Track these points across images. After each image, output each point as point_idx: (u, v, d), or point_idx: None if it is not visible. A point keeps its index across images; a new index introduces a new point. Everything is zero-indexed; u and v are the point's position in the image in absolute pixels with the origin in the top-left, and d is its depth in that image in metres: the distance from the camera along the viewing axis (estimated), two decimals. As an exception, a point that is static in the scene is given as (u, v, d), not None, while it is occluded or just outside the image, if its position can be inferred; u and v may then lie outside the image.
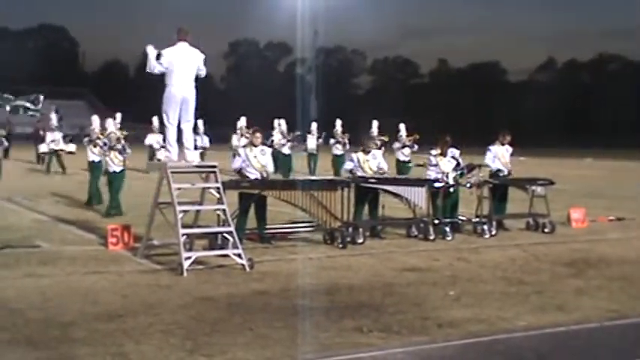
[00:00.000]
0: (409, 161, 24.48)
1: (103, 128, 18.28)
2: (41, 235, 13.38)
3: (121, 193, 16.76)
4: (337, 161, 24.61)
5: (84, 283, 9.71)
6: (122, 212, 16.29)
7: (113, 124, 17.77)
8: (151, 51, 11.40)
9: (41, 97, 19.99)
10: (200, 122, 28.95)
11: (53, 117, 30.40)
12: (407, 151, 25.09)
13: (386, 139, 24.58)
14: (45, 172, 29.16)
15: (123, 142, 16.84)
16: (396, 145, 25.31)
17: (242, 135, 29.97)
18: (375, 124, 25.50)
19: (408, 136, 25.41)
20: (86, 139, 18.64)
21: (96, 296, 8.98)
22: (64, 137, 30.24)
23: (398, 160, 24.94)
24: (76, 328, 7.61)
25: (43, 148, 30.54)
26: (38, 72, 78.31)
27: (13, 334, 7.34)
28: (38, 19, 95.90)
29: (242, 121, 30.86)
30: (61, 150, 29.40)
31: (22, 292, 9.15)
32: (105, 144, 17.04)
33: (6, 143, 22.17)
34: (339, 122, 28.03)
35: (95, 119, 19.46)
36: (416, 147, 25.05)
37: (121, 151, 16.62)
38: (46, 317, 7.99)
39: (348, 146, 27.51)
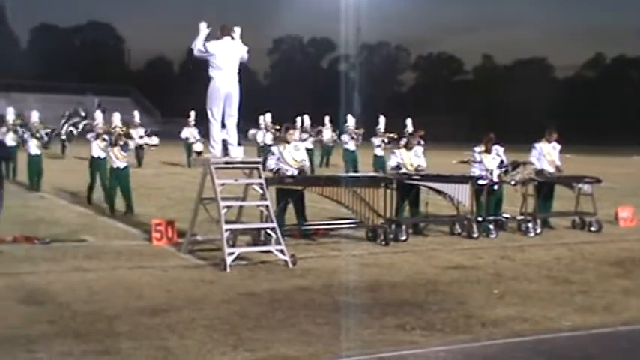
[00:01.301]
0: (383, 156, 24.41)
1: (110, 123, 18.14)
2: (87, 230, 13.56)
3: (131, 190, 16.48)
4: (377, 160, 24.61)
5: (129, 278, 9.83)
6: (133, 210, 16.03)
7: (118, 119, 17.89)
8: (203, 28, 11.48)
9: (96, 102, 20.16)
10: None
11: (136, 114, 32.00)
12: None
13: (395, 136, 24.58)
14: (136, 166, 29.93)
15: (125, 138, 16.69)
16: (376, 141, 25.32)
17: (267, 130, 30.45)
18: (409, 121, 25.38)
19: (414, 132, 25.26)
20: (91, 134, 18.24)
21: (140, 290, 9.08)
22: (146, 132, 31.08)
23: (375, 156, 24.94)
24: (121, 321, 7.70)
25: (130, 144, 31.15)
26: (85, 69, 79.55)
27: (60, 327, 7.45)
28: (86, 16, 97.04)
29: (267, 117, 31.17)
30: (146, 144, 30.31)
31: (69, 285, 9.28)
32: (108, 139, 16.91)
33: (46, 138, 22.38)
34: (382, 120, 28.03)
35: (98, 114, 19.06)
36: (422, 143, 24.76)
37: (124, 148, 16.40)
38: (92, 310, 8.10)
39: (359, 142, 28.02)
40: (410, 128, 25.13)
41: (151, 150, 29.21)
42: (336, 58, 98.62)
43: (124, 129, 17.26)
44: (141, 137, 29.82)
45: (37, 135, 20.60)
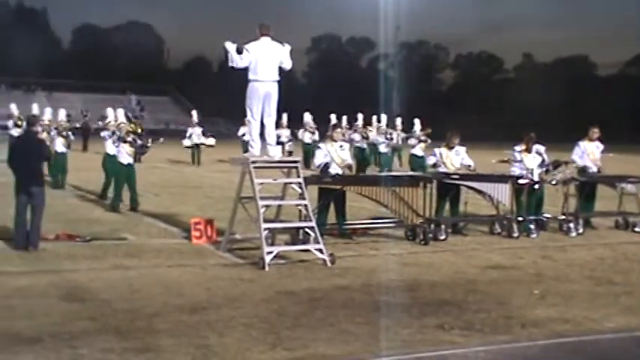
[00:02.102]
0: (423, 157, 24.17)
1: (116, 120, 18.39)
2: (127, 228, 13.69)
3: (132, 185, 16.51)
4: (416, 160, 24.49)
5: (168, 276, 9.90)
6: (137, 204, 16.20)
7: (123, 116, 17.99)
8: (230, 46, 11.46)
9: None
10: (284, 116, 29.57)
11: (194, 114, 32.80)
12: (422, 146, 24.82)
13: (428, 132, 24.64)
14: (191, 163, 30.98)
15: (133, 135, 16.82)
16: (412, 141, 25.10)
17: (305, 130, 30.86)
18: (417, 121, 25.33)
19: (421, 130, 25.24)
20: (105, 132, 18.36)
21: (180, 288, 9.14)
22: (204, 132, 31.64)
23: (412, 155, 24.72)
24: (160, 319, 7.76)
25: (186, 142, 32.23)
26: (125, 69, 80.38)
27: (102, 324, 7.54)
28: (126, 17, 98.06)
29: (307, 117, 31.49)
30: (202, 143, 31.15)
31: (110, 283, 9.38)
32: (114, 135, 17.12)
33: (72, 137, 22.59)
34: (417, 121, 28.00)
35: (110, 111, 19.22)
36: (429, 141, 24.58)
37: (132, 143, 16.54)
38: (133, 308, 8.17)
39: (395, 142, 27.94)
40: (417, 127, 25.18)
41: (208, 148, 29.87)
42: (375, 57, 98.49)
43: (132, 126, 17.50)
44: (192, 136, 31.49)
45: (64, 133, 20.79)
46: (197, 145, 31.59)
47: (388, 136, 28.17)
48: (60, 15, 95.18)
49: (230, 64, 11.55)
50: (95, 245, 11.85)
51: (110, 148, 17.64)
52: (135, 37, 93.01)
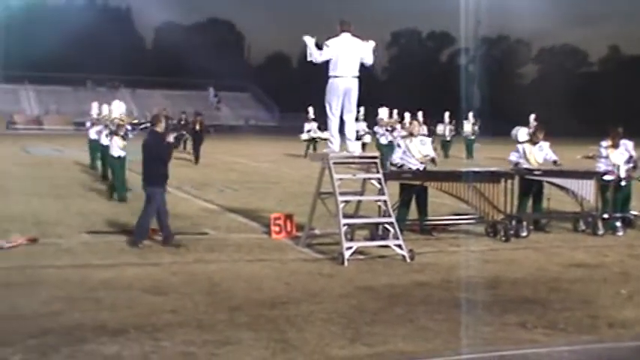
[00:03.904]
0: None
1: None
2: (208, 223, 13.88)
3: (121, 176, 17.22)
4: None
5: (249, 270, 10.00)
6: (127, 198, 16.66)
7: (117, 109, 18.45)
8: (309, 40, 11.47)
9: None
10: (361, 109, 29.90)
11: (310, 110, 33.01)
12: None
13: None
14: (304, 156, 31.41)
15: (127, 127, 17.56)
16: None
17: (381, 126, 30.99)
18: (532, 116, 24.98)
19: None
20: (100, 126, 19.34)
21: (260, 283, 9.21)
22: (319, 126, 32.31)
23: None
24: (241, 313, 7.84)
25: (304, 136, 33.44)
26: (206, 65, 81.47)
27: (183, 317, 7.66)
28: (207, 14, 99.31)
29: (382, 112, 31.57)
30: (319, 137, 31.86)
31: (192, 277, 9.53)
32: (108, 128, 17.82)
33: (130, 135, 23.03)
34: (447, 114, 28.23)
35: (104, 106, 19.81)
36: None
37: (124, 137, 17.18)
38: (213, 302, 8.28)
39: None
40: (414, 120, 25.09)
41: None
42: (455, 51, 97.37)
43: (124, 119, 18.04)
44: (309, 131, 32.94)
45: (111, 127, 21.11)
46: (314, 140, 32.70)
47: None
48: (143, 14, 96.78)
49: (309, 59, 11.55)
50: (177, 239, 12.04)
51: (104, 140, 18.64)
52: (216, 34, 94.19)
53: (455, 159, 31.17)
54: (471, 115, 35.49)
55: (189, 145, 30.87)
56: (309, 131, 33.15)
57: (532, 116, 29.21)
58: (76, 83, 71.42)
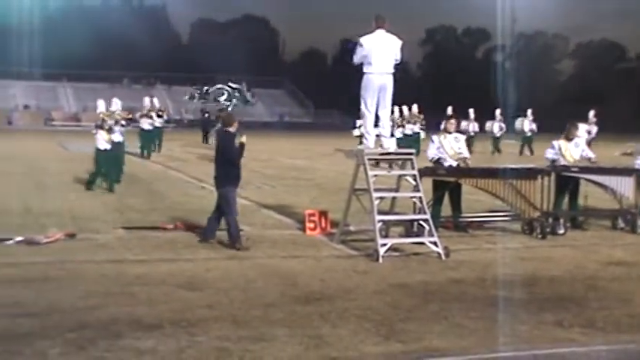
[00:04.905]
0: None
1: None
2: (244, 219, 13.86)
3: (106, 169, 17.91)
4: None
5: (283, 267, 10.01)
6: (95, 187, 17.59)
7: (104, 106, 18.96)
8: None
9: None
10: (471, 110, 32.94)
11: (403, 109, 33.10)
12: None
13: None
14: None
15: (110, 122, 18.19)
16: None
17: (411, 122, 31.42)
18: (592, 112, 24.97)
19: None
20: (110, 122, 19.29)
21: (295, 279, 9.22)
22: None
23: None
24: (275, 309, 7.85)
25: (355, 132, 33.01)
26: (240, 62, 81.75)
27: (218, 312, 7.69)
28: (241, 10, 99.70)
29: (414, 108, 31.84)
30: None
31: (227, 273, 9.57)
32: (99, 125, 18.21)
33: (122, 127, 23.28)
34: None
35: (100, 102, 19.80)
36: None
37: (109, 130, 17.92)
38: (248, 298, 8.31)
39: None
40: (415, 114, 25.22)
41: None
42: (491, 48, 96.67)
43: (107, 114, 18.60)
44: (359, 127, 32.56)
45: (122, 123, 21.21)
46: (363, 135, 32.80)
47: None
48: (178, 10, 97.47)
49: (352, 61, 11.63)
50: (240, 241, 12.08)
51: (116, 136, 19.01)
52: (250, 31, 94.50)
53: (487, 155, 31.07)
54: (497, 112, 35.93)
55: (212, 140, 31.16)
56: (360, 127, 33.08)
57: (591, 112, 29.24)
58: (113, 80, 72.14)
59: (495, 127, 36.05)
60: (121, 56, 72.56)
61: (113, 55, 72.35)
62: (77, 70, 69.62)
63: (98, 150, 17.85)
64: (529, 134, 34.79)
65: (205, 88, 38.55)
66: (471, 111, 35.94)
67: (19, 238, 11.10)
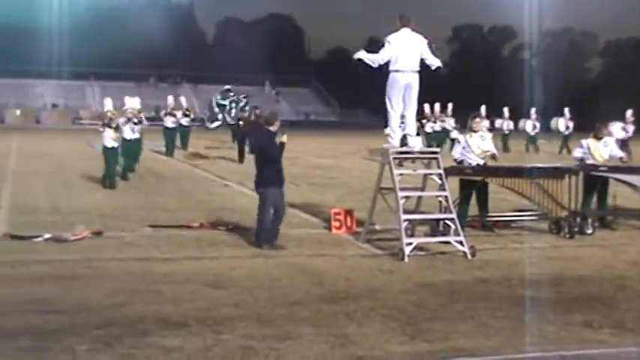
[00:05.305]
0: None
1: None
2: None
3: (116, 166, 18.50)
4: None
5: (309, 265, 10.01)
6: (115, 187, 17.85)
7: (111, 104, 19.42)
8: (362, 55, 11.45)
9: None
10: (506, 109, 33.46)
11: (440, 107, 33.18)
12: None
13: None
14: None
15: (118, 120, 18.73)
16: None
17: (435, 121, 31.51)
18: (630, 112, 24.87)
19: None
20: (122, 119, 20.01)
21: (320, 278, 9.22)
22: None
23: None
24: (301, 308, 7.85)
25: (387, 130, 33.20)
26: (266, 60, 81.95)
27: (244, 311, 7.70)
28: (267, 9, 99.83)
29: (436, 107, 31.87)
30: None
31: (252, 271, 9.58)
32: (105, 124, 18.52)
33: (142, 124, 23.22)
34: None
35: (108, 101, 20.25)
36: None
37: (116, 129, 18.25)
38: (273, 296, 8.31)
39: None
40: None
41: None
42: (518, 45, 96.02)
43: (115, 113, 19.11)
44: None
45: (134, 120, 21.24)
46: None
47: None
48: (205, 9, 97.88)
49: (374, 67, 11.51)
50: (237, 234, 12.13)
51: (127, 133, 19.84)
52: (276, 29, 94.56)
53: (517, 154, 30.88)
54: (533, 111, 35.69)
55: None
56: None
57: (629, 111, 28.96)
58: (140, 79, 72.57)
59: (529, 125, 35.76)
60: (147, 55, 72.91)
61: (140, 53, 72.71)
62: (104, 68, 70.11)
63: (105, 148, 18.10)
64: (567, 133, 34.42)
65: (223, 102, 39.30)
66: (506, 109, 35.85)
67: (48, 236, 11.21)
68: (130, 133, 20.02)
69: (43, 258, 10.02)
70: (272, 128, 11.64)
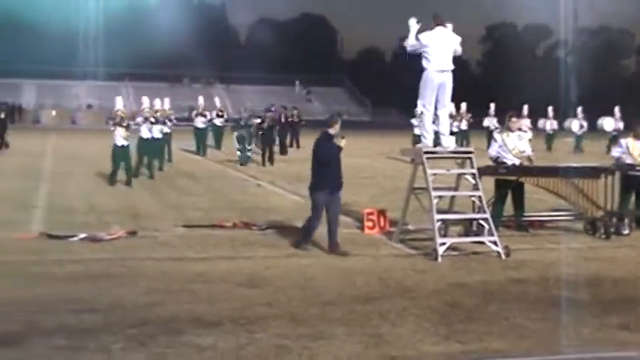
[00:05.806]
0: None
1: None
2: (302, 217, 13.88)
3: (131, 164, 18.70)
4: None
5: (342, 265, 10.00)
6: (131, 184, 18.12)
7: (121, 103, 19.73)
8: (413, 24, 11.44)
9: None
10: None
11: (463, 106, 33.28)
12: None
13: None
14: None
15: (137, 120, 19.23)
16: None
17: (461, 120, 31.57)
18: (526, 108, 24.84)
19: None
20: (139, 118, 20.50)
21: (353, 278, 9.20)
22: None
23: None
24: (334, 307, 7.84)
25: (416, 130, 33.34)
26: (298, 60, 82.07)
27: (277, 310, 7.72)
28: (300, 9, 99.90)
29: (462, 106, 31.90)
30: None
31: (285, 271, 9.60)
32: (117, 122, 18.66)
33: (169, 123, 23.76)
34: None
35: (119, 100, 20.41)
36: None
37: (127, 127, 18.44)
38: (307, 296, 8.31)
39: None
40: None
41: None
42: (553, 44, 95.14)
43: (125, 112, 19.39)
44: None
45: (151, 119, 21.32)
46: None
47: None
48: (237, 9, 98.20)
49: (405, 45, 11.55)
50: (271, 233, 12.15)
51: (145, 132, 20.12)
52: (309, 29, 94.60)
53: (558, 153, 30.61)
54: (579, 110, 35.06)
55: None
56: (417, 126, 33.28)
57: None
58: (173, 80, 73.10)
59: (575, 124, 34.93)
60: (181, 56, 73.34)
61: (173, 54, 73.17)
62: (139, 69, 70.69)
63: (116, 146, 18.31)
64: (614, 133, 33.44)
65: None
66: (550, 109, 35.04)
67: (83, 236, 11.32)
68: (147, 132, 20.14)
69: (79, 257, 10.12)
70: (330, 130, 11.21)
